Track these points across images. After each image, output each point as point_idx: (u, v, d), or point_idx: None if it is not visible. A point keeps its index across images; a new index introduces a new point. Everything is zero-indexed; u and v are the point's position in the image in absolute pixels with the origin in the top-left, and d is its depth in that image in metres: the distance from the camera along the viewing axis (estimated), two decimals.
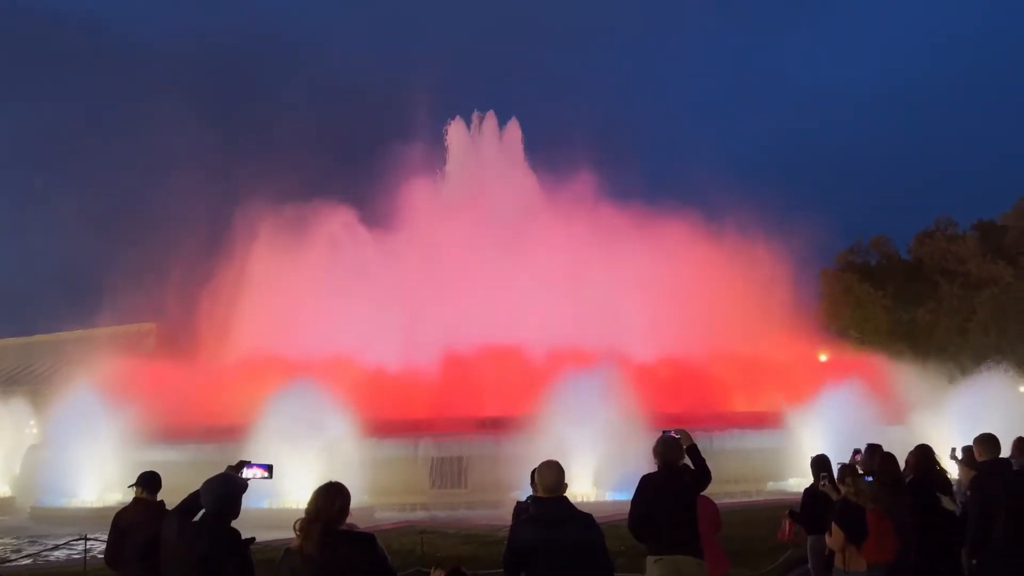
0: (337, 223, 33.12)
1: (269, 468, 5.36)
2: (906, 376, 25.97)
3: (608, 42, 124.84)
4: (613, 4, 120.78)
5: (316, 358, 25.85)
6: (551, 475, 5.26)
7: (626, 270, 30.47)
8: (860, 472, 7.67)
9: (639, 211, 33.21)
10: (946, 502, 7.63)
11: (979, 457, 7.32)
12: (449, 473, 20.71)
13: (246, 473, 5.24)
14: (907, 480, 8.05)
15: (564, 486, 5.31)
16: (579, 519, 5.14)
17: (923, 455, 8.21)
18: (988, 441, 7.24)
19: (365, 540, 4.31)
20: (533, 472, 5.55)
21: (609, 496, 17.79)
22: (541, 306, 28.60)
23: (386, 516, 18.50)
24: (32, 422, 27.03)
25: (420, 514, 18.90)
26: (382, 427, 20.42)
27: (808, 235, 34.79)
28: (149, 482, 6.89)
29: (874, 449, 8.66)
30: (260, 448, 16.42)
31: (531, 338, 26.59)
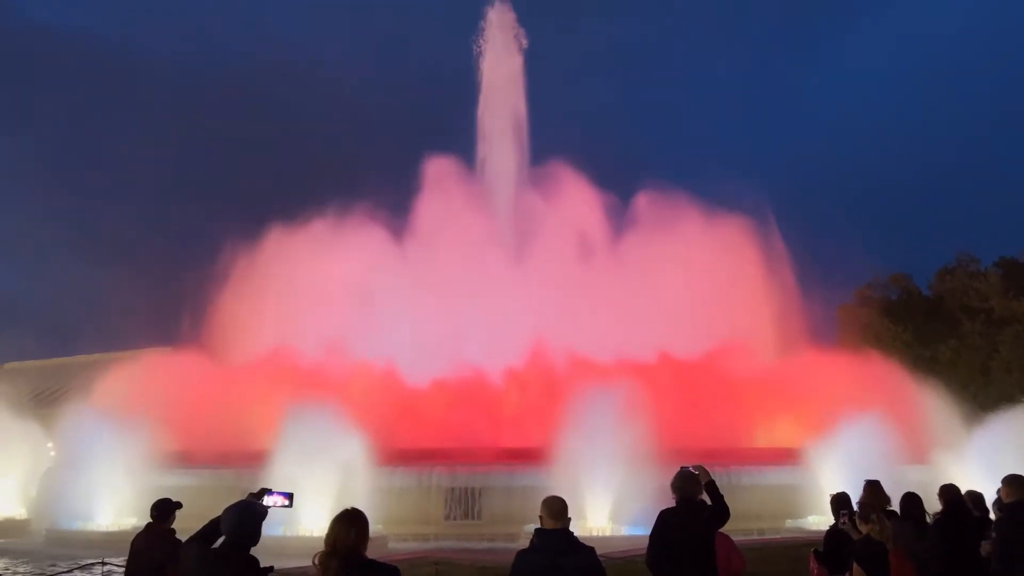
0: (351, 235, 33.06)
1: (290, 496, 5.39)
2: (928, 413, 25.54)
3: (623, 71, 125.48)
4: (630, 38, 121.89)
5: (332, 368, 25.82)
6: (556, 502, 5.51)
7: (641, 294, 30.35)
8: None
9: (659, 233, 33.01)
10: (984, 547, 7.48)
11: (1006, 499, 7.21)
12: (463, 504, 20.56)
13: (267, 501, 5.27)
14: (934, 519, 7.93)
15: (568, 519, 5.51)
16: (581, 550, 5.34)
17: (951, 495, 8.08)
18: (1015, 482, 7.13)
19: (389, 573, 4.29)
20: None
21: (626, 531, 17.56)
22: (554, 323, 28.37)
23: (399, 547, 18.36)
24: (50, 444, 27.16)
25: (433, 545, 18.75)
26: (396, 456, 20.34)
27: (825, 269, 34.59)
28: (157, 509, 7.23)
29: (872, 486, 8.52)
30: (275, 474, 16.43)
31: (552, 358, 26.54)
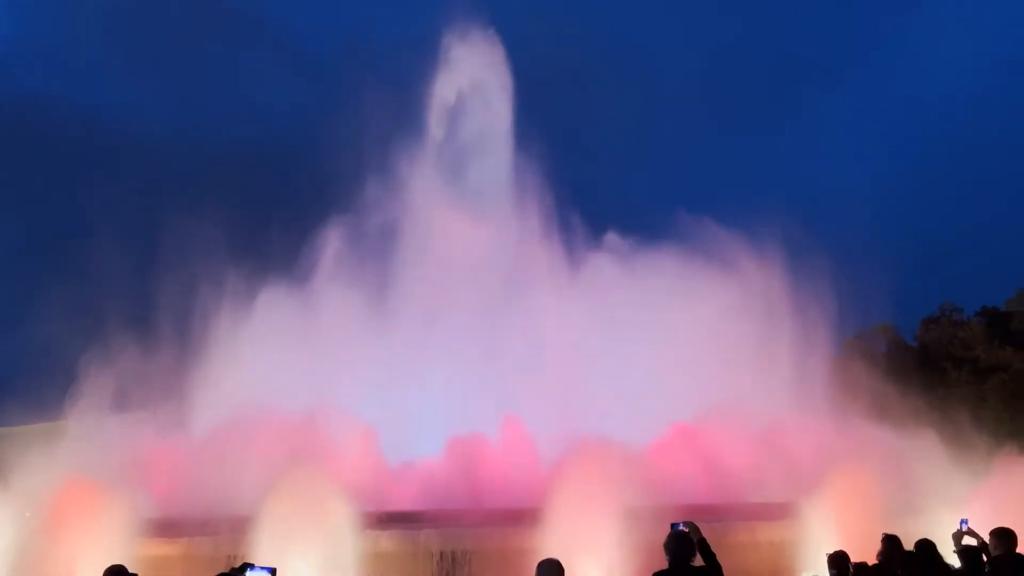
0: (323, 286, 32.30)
1: (273, 572, 5.28)
2: (922, 463, 25.35)
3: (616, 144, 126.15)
4: (617, 112, 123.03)
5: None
6: (552, 567, 5.70)
7: (626, 346, 30.04)
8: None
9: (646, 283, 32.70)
10: None
11: (993, 551, 7.15)
12: (453, 567, 20.06)
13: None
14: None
15: None
16: None
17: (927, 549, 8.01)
18: (1004, 535, 7.09)
19: None
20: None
21: None
22: (545, 381, 27.94)
23: None
24: (28, 513, 26.48)
25: None
26: (383, 518, 19.94)
27: (810, 322, 34.53)
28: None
29: (891, 541, 8.46)
30: (256, 541, 16.08)
31: (535, 419, 26.15)
